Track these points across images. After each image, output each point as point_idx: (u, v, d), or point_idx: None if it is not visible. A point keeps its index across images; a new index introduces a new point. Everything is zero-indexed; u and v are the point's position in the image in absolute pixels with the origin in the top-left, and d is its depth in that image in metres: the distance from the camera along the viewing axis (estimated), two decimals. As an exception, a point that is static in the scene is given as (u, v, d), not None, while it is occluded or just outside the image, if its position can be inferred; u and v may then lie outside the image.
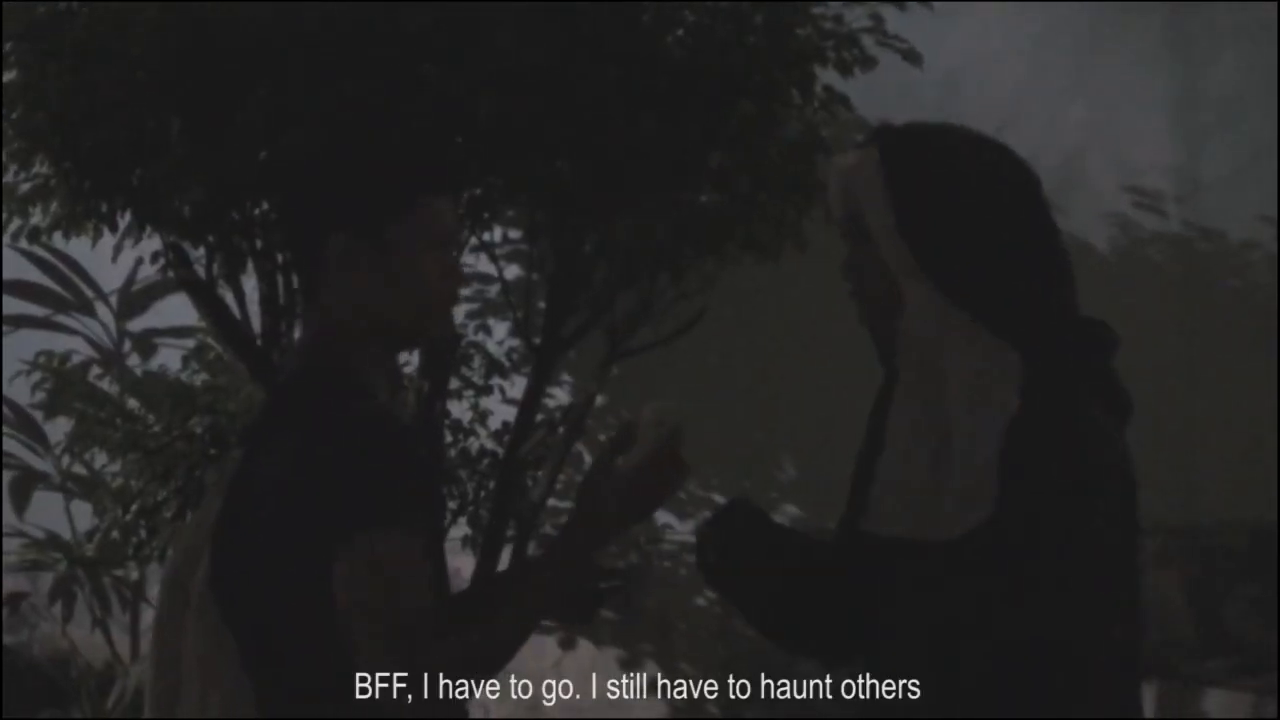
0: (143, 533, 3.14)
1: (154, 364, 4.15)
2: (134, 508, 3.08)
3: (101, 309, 4.22)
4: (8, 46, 2.67)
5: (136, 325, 4.24)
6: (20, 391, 4.04)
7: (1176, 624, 3.82)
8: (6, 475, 4.18)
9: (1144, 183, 3.94)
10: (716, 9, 2.69)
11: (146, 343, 4.21)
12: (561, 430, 3.39)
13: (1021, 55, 3.96)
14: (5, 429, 4.18)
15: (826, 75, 3.00)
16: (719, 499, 4.14)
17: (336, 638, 1.25)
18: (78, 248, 3.62)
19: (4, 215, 3.00)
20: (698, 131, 2.48)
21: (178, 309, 4.11)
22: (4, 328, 4.21)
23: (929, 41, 3.45)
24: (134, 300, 4.21)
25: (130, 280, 4.18)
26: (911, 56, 2.83)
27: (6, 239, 3.15)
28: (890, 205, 1.31)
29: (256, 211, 2.90)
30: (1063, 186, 4.01)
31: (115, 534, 3.29)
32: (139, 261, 4.05)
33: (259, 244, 2.99)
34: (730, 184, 2.57)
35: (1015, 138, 4.27)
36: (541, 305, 3.14)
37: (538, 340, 3.14)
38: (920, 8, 3.27)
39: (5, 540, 4.08)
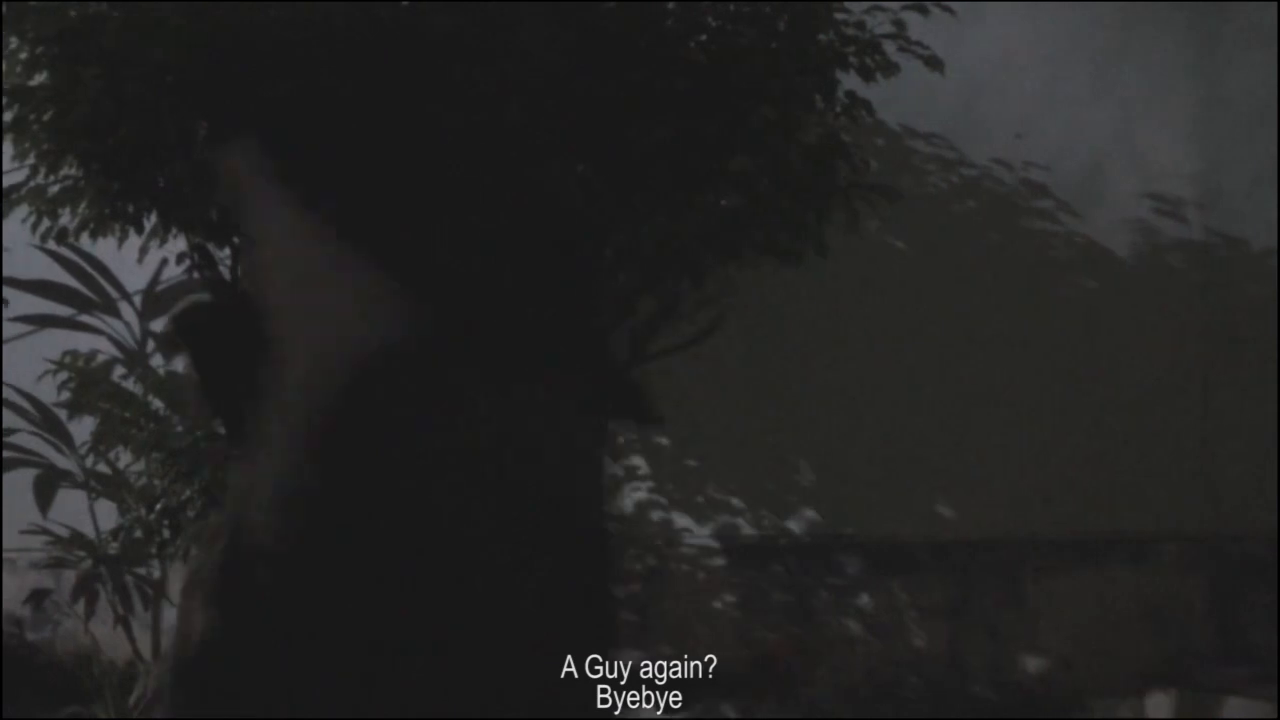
0: (166, 531, 3.16)
1: (177, 364, 4.18)
2: (158, 507, 3.11)
3: (126, 309, 4.25)
4: (39, 50, 2.70)
5: (160, 325, 4.26)
6: (46, 390, 4.08)
7: (1196, 632, 3.80)
8: (31, 474, 4.22)
9: (1165, 189, 3.93)
10: (740, 13, 2.70)
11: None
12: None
13: (1043, 61, 3.96)
14: (30, 428, 4.21)
15: (848, 80, 3.00)
16: (737, 503, 4.15)
17: None
18: (103, 248, 3.65)
19: (34, 217, 3.04)
20: (718, 135, 2.49)
21: (201, 310, 4.13)
22: (28, 327, 4.24)
23: (951, 46, 3.45)
24: (158, 300, 4.24)
25: (155, 281, 4.20)
26: (933, 63, 2.84)
27: (34, 240, 3.19)
28: None
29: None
30: (1083, 193, 4.02)
31: (139, 533, 3.32)
32: (163, 262, 4.08)
33: (283, 246, 3.01)
34: (751, 188, 2.58)
35: (1036, 143, 4.28)
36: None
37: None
38: (942, 13, 3.26)
39: (29, 538, 4.11)
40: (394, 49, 2.33)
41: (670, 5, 2.55)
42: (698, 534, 4.03)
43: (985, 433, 3.90)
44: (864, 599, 3.92)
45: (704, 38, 2.52)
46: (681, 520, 4.03)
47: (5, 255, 3.84)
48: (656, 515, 4.02)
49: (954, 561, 3.92)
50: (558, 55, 2.26)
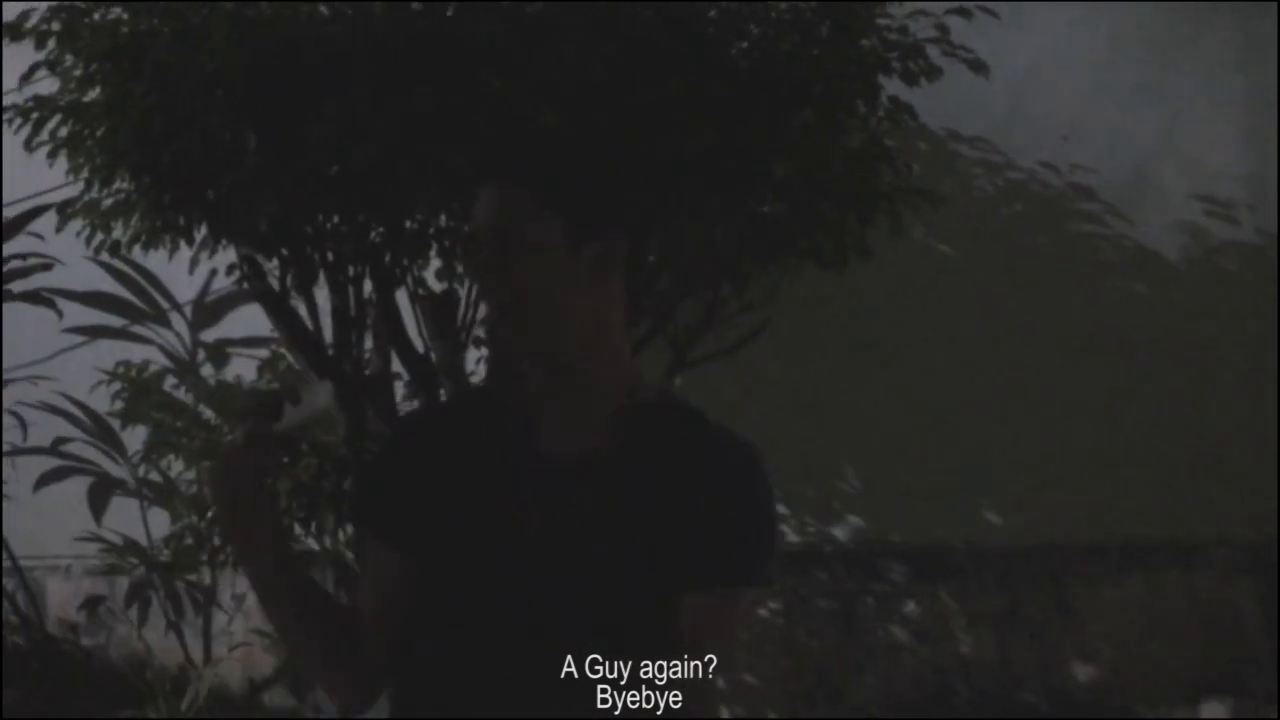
0: (216, 539, 3.18)
1: (227, 374, 4.21)
2: (209, 515, 3.13)
3: (176, 319, 4.29)
4: (92, 67, 2.75)
5: (210, 335, 4.30)
6: (100, 400, 4.13)
7: (1251, 639, 3.73)
8: (85, 482, 4.26)
9: (1216, 190, 3.87)
10: (781, 20, 2.70)
11: (220, 352, 4.27)
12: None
13: (1090, 61, 3.90)
14: (85, 437, 4.25)
15: (891, 85, 2.98)
16: (781, 509, 4.11)
17: None
18: (153, 260, 3.69)
19: (87, 230, 3.09)
20: (760, 140, 2.48)
21: (250, 319, 4.17)
22: (82, 338, 4.28)
23: (995, 48, 3.42)
24: (208, 311, 4.27)
25: (204, 291, 4.24)
26: (977, 67, 2.81)
27: (88, 252, 3.24)
28: None
29: (328, 225, 2.95)
30: (1132, 195, 3.95)
31: (190, 540, 3.35)
32: (213, 273, 4.11)
33: (330, 256, 3.04)
34: (791, 193, 2.57)
35: (1083, 145, 4.22)
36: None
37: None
38: (986, 16, 3.23)
39: (84, 545, 4.15)
40: (432, 56, 2.35)
41: (711, 13, 2.55)
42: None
43: (1032, 438, 3.85)
44: (910, 606, 3.88)
45: (745, 44, 2.51)
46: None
47: (59, 268, 3.89)
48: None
49: (1001, 568, 3.86)
50: (597, 62, 2.26)
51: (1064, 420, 3.84)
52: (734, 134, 2.44)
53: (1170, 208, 3.88)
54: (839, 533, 3.98)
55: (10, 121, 2.91)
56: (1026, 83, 3.88)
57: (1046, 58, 3.90)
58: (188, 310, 4.28)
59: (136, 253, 3.32)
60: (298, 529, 3.27)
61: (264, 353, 4.14)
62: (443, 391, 3.06)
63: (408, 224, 2.91)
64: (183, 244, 3.14)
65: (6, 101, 2.90)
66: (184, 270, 3.52)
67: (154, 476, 4.06)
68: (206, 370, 4.24)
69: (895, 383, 3.91)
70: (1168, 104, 3.87)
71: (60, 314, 3.93)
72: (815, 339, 3.93)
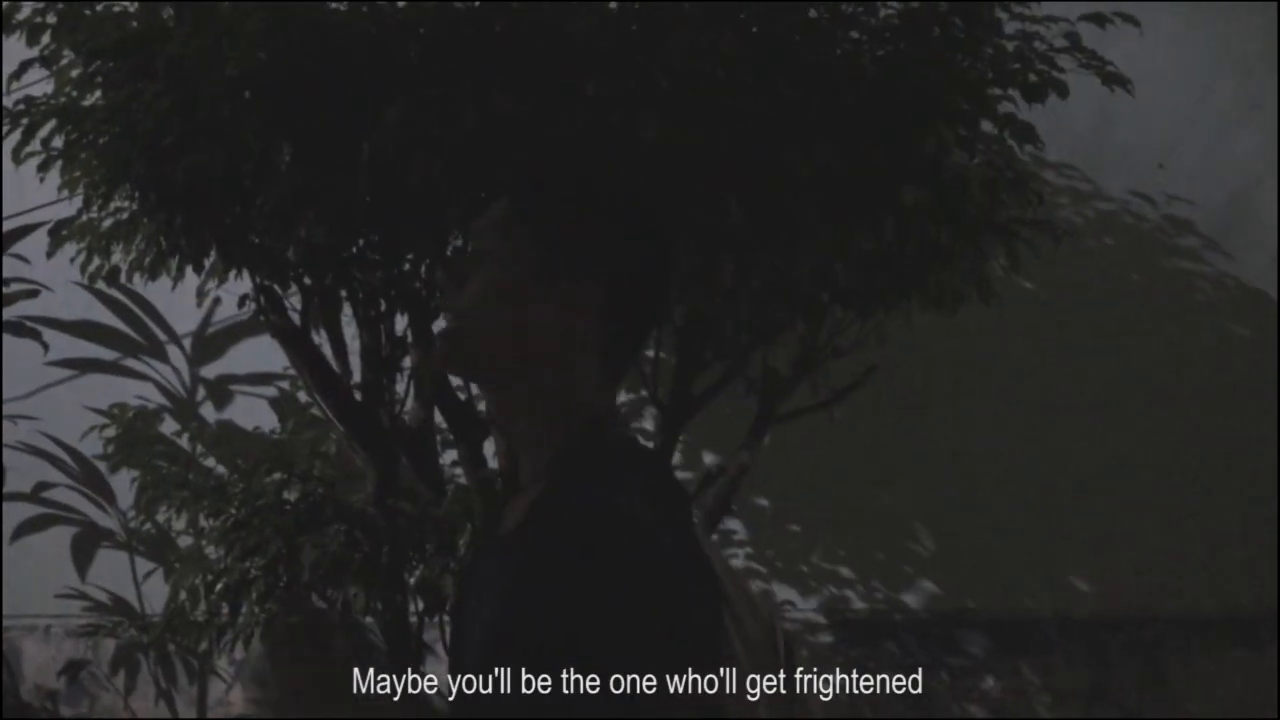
0: (225, 613, 2.80)
1: (230, 413, 3.86)
2: (218, 587, 2.74)
3: (174, 353, 3.93)
4: (94, 66, 2.36)
5: (211, 371, 3.94)
6: (92, 444, 3.76)
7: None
8: (69, 532, 3.89)
9: (1332, 226, 3.57)
10: (888, 24, 2.34)
11: (222, 389, 3.91)
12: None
13: (1184, 80, 3.62)
14: (70, 482, 3.90)
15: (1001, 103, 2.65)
16: (846, 573, 3.77)
17: None
18: (150, 287, 3.34)
19: (82, 255, 2.70)
20: (891, 161, 2.12)
21: (256, 354, 3.81)
22: (70, 372, 3.93)
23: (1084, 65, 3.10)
24: (209, 344, 3.91)
25: (205, 323, 3.88)
26: (1116, 79, 2.47)
27: (81, 278, 2.86)
28: None
29: (354, 249, 2.57)
30: (1228, 226, 3.66)
31: (200, 615, 2.95)
32: (216, 302, 3.75)
33: (358, 287, 2.66)
34: (913, 222, 2.21)
35: (1176, 171, 3.87)
36: (659, 355, 2.81)
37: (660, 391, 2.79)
38: (1075, 30, 2.90)
39: (66, 603, 3.79)
40: (512, 58, 2.00)
41: (855, 8, 2.18)
42: (801, 607, 3.66)
43: (1125, 497, 3.55)
44: (989, 681, 3.56)
45: (881, 53, 2.14)
46: (783, 592, 3.66)
47: (44, 294, 3.52)
48: (754, 586, 3.65)
49: (1090, 640, 3.56)
50: (713, 64, 1.90)
51: (1159, 479, 3.53)
52: (860, 152, 2.08)
53: (1271, 240, 3.59)
54: (910, 599, 3.65)
55: (-3, 128, 2.53)
56: (1116, 102, 3.56)
57: (1137, 75, 3.60)
58: (187, 343, 3.92)
59: (135, 280, 2.94)
60: (315, 599, 2.89)
61: (271, 390, 3.79)
62: (492, 443, 2.68)
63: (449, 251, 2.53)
64: (189, 271, 2.76)
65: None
66: (181, 299, 3.17)
67: (146, 527, 3.70)
68: (207, 409, 3.88)
69: (971, 433, 3.60)
70: (1268, 125, 3.57)
71: (46, 347, 3.56)
72: (880, 383, 3.59)
